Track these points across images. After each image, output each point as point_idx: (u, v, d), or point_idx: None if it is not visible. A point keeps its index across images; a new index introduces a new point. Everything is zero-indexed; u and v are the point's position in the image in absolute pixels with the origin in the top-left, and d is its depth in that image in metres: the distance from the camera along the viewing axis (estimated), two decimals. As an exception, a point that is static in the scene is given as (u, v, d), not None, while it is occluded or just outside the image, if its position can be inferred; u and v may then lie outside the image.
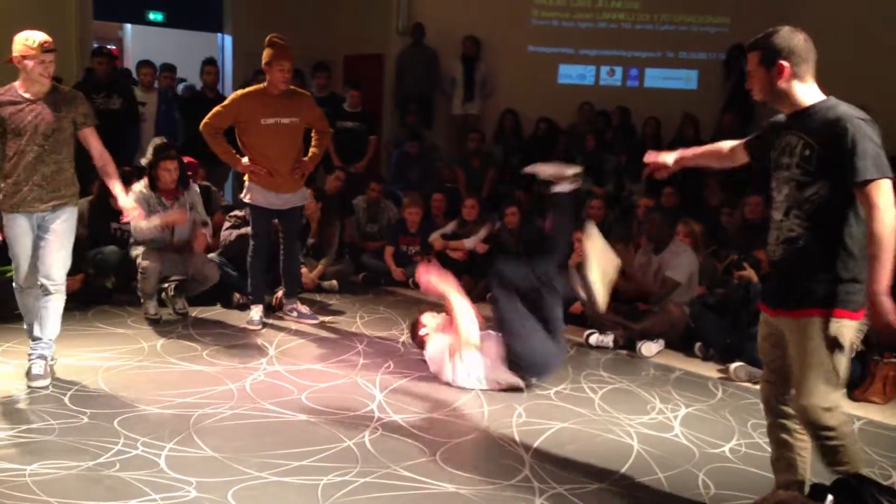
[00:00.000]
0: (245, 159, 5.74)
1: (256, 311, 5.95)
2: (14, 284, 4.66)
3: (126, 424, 3.96)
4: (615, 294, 5.96)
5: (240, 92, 5.93)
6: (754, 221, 6.65)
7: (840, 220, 2.82)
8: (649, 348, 5.62)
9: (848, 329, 2.85)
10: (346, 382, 4.76)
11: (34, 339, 4.50)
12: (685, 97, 9.91)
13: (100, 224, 6.58)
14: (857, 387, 4.87)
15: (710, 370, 5.36)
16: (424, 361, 5.01)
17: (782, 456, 3.15)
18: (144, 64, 8.80)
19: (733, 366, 5.18)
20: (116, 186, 4.70)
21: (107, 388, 4.47)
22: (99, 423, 3.97)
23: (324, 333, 5.85)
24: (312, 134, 5.97)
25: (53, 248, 4.47)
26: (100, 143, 4.64)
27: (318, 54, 9.96)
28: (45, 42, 4.34)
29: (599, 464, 3.80)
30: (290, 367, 5.00)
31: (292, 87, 5.82)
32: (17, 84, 4.46)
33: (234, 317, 6.14)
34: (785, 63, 2.87)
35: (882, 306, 2.67)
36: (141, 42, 12.03)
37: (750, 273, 5.57)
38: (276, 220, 5.98)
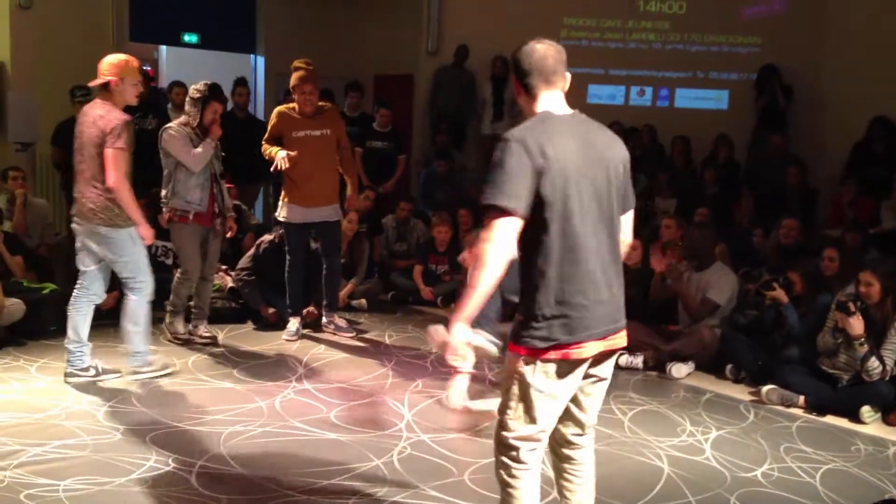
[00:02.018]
0: (282, 152, 5.76)
1: (294, 324, 6.08)
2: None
3: (158, 441, 4.00)
4: (646, 315, 5.96)
5: (277, 108, 6.13)
6: (791, 246, 6.57)
7: None
8: (679, 370, 5.58)
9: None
10: (374, 401, 4.78)
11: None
12: (716, 117, 9.86)
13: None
14: (891, 411, 4.79)
15: (741, 392, 5.30)
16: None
17: None
18: (176, 84, 8.93)
19: (765, 388, 5.12)
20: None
21: (139, 405, 4.52)
22: (131, 439, 4.02)
23: (353, 352, 5.87)
24: (339, 160, 6.06)
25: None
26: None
27: (348, 74, 10.07)
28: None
29: (629, 486, 3.76)
30: (319, 385, 5.02)
31: (321, 104, 6.03)
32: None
33: (264, 335, 6.19)
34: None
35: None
36: (176, 63, 12.21)
37: (780, 294, 5.50)
38: (314, 238, 6.15)
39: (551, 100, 2.68)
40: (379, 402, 4.78)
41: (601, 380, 2.76)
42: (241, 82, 8.94)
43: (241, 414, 4.45)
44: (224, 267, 6.80)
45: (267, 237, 6.70)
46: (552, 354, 2.56)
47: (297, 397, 4.79)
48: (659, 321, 6.04)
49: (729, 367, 5.58)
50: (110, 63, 4.76)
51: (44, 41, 8.40)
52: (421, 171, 9.85)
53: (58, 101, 8.04)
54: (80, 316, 4.90)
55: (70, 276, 6.15)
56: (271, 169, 5.91)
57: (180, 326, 5.92)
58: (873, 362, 4.71)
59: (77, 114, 7.70)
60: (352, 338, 6.19)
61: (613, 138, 2.73)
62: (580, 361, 2.61)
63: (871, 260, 5.65)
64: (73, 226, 4.94)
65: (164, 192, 5.74)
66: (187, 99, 5.77)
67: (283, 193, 6.03)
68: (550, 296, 2.55)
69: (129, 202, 4.72)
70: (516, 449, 2.66)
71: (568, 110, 2.69)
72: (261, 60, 11.41)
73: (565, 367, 2.59)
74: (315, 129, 5.87)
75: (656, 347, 5.73)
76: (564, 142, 2.56)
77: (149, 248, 6.60)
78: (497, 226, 2.48)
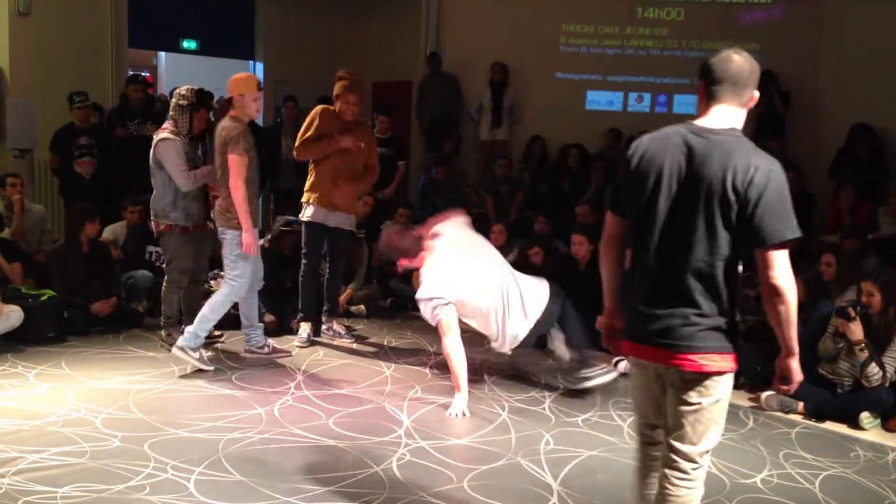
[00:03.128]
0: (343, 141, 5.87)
1: (304, 329, 6.12)
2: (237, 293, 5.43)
3: (156, 448, 3.99)
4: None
5: (320, 107, 6.15)
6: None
7: None
8: (679, 376, 5.56)
9: None
10: (373, 408, 4.77)
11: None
12: (714, 123, 9.87)
13: (135, 248, 6.69)
14: (890, 417, 4.79)
15: (740, 399, 5.29)
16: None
17: None
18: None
19: (765, 395, 5.12)
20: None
21: (138, 412, 4.51)
22: (130, 446, 4.01)
23: (351, 358, 5.87)
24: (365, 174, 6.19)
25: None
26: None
27: (347, 81, 10.07)
28: (259, 82, 5.36)
29: (629, 493, 3.75)
30: (317, 391, 5.01)
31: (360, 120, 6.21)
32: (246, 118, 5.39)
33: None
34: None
35: None
36: (174, 69, 12.25)
37: None
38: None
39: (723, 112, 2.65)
40: (378, 408, 4.77)
41: None
42: None
43: (240, 420, 4.44)
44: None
45: (262, 242, 6.70)
46: None
47: (296, 404, 4.79)
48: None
49: (728, 373, 5.56)
50: (233, 80, 5.32)
51: (43, 47, 8.41)
52: (419, 177, 9.86)
53: (56, 108, 8.04)
54: (247, 305, 5.65)
55: (67, 283, 6.17)
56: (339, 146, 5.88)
57: (178, 335, 5.89)
58: (873, 368, 4.70)
59: (76, 120, 7.79)
60: (350, 344, 6.19)
61: None
62: None
63: (871, 269, 5.63)
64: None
65: (161, 204, 5.59)
66: (173, 104, 5.63)
67: (307, 195, 6.06)
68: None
69: (241, 206, 5.20)
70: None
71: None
72: (259, 67, 11.43)
73: None
74: (358, 140, 5.96)
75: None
76: None
77: (141, 253, 6.66)
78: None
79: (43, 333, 5.77)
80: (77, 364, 5.31)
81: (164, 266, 6.29)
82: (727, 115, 2.63)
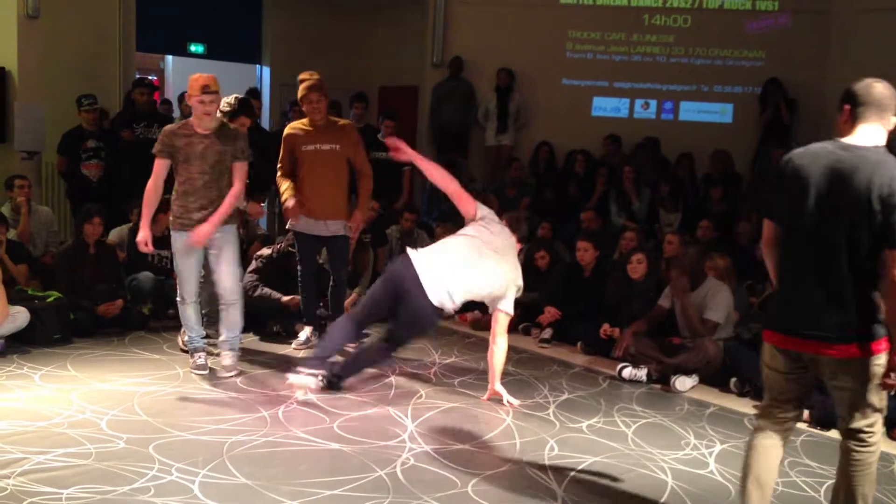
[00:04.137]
0: (291, 200, 5.88)
1: (304, 333, 6.12)
2: (178, 297, 5.34)
3: (161, 450, 4.00)
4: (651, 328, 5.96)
5: (287, 128, 6.16)
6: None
7: None
8: (683, 383, 5.56)
9: None
10: (377, 412, 4.77)
11: (203, 337, 5.44)
12: (720, 130, 9.89)
13: (137, 252, 6.68)
14: (895, 426, 4.78)
15: (745, 406, 5.28)
16: (456, 392, 4.99)
17: None
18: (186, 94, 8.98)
19: (769, 402, 5.10)
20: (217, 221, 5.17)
21: (143, 414, 4.52)
22: (135, 448, 4.02)
23: (356, 362, 5.86)
24: (357, 178, 6.08)
25: (224, 263, 5.26)
26: (241, 180, 5.27)
27: (353, 85, 10.11)
28: (206, 85, 5.07)
29: (633, 499, 3.76)
30: (321, 395, 5.01)
31: (334, 118, 6.09)
32: (191, 119, 5.22)
33: (266, 345, 6.19)
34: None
35: None
36: (182, 73, 12.27)
37: None
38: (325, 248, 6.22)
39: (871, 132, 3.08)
40: (382, 412, 4.77)
41: None
42: (253, 94, 8.97)
43: (245, 423, 4.44)
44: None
45: (265, 251, 6.71)
46: None
47: (300, 407, 4.79)
48: (663, 334, 6.03)
49: (733, 380, 5.57)
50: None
51: (51, 50, 8.44)
52: (425, 182, 9.86)
53: (64, 111, 8.08)
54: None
55: (74, 285, 6.19)
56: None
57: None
58: None
59: (84, 123, 7.82)
60: (354, 348, 6.16)
61: None
62: None
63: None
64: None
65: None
66: (220, 110, 5.74)
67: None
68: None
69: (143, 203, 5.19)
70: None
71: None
72: (266, 71, 11.46)
73: None
74: (325, 144, 5.87)
75: (660, 360, 5.71)
76: None
77: (145, 255, 6.65)
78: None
79: (49, 335, 5.78)
80: (82, 366, 5.33)
81: (168, 267, 6.33)
82: (872, 134, 3.07)
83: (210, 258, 5.28)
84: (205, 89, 5.06)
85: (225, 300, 5.31)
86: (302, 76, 5.89)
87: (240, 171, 5.25)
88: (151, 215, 5.25)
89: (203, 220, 5.11)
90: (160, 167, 5.18)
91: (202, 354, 5.38)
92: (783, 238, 3.15)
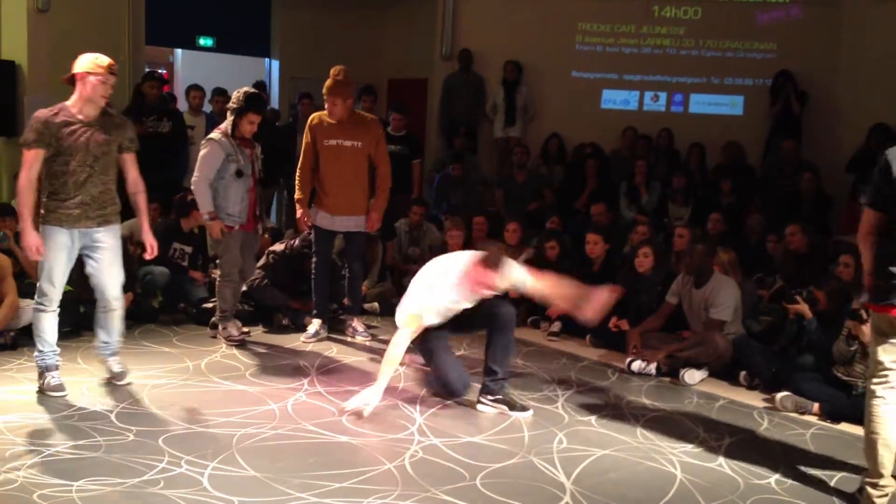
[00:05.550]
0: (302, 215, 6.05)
1: (313, 326, 6.14)
2: (37, 305, 4.65)
3: (170, 443, 4.01)
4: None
5: (310, 118, 6.16)
6: (800, 251, 6.54)
7: None
8: (692, 376, 5.55)
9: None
10: (386, 405, 4.77)
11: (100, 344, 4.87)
12: (731, 123, 9.84)
13: (160, 244, 6.71)
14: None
15: (755, 399, 5.27)
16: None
17: None
18: (194, 87, 9.00)
19: (779, 395, 5.08)
20: (144, 218, 4.97)
21: (152, 406, 4.54)
22: (144, 440, 4.03)
23: (364, 356, 5.88)
24: (376, 175, 6.12)
25: (106, 265, 4.74)
26: (136, 170, 4.84)
27: (362, 78, 10.08)
28: (112, 64, 4.54)
29: (641, 492, 3.75)
30: (331, 388, 5.03)
31: (362, 113, 6.23)
32: (69, 104, 4.55)
33: (276, 337, 6.21)
34: None
35: None
36: (191, 66, 12.29)
37: (804, 308, 5.48)
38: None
39: None
40: (391, 405, 4.77)
41: None
42: (260, 86, 8.97)
43: (254, 416, 4.46)
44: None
45: (278, 247, 6.73)
46: None
47: (309, 400, 4.80)
48: (672, 329, 6.01)
49: (743, 373, 5.55)
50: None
51: (61, 44, 8.44)
52: (434, 175, 9.87)
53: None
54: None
55: (84, 278, 6.19)
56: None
57: (234, 329, 5.93)
58: None
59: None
60: (365, 341, 6.20)
61: None
62: None
63: None
64: None
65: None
66: (228, 106, 5.84)
67: (314, 201, 6.12)
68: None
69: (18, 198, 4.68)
70: None
71: None
72: (275, 64, 11.46)
73: None
74: (346, 140, 5.91)
75: (670, 353, 5.70)
76: None
77: (166, 249, 6.69)
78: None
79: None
80: (92, 358, 5.33)
81: (184, 263, 6.38)
82: None
83: (90, 263, 4.72)
84: (111, 68, 4.49)
85: (110, 307, 4.80)
86: (332, 72, 5.89)
87: (132, 162, 4.78)
88: (33, 215, 4.51)
89: (85, 216, 4.55)
90: (33, 159, 4.44)
91: (56, 374, 4.67)
92: (888, 226, 3.48)
